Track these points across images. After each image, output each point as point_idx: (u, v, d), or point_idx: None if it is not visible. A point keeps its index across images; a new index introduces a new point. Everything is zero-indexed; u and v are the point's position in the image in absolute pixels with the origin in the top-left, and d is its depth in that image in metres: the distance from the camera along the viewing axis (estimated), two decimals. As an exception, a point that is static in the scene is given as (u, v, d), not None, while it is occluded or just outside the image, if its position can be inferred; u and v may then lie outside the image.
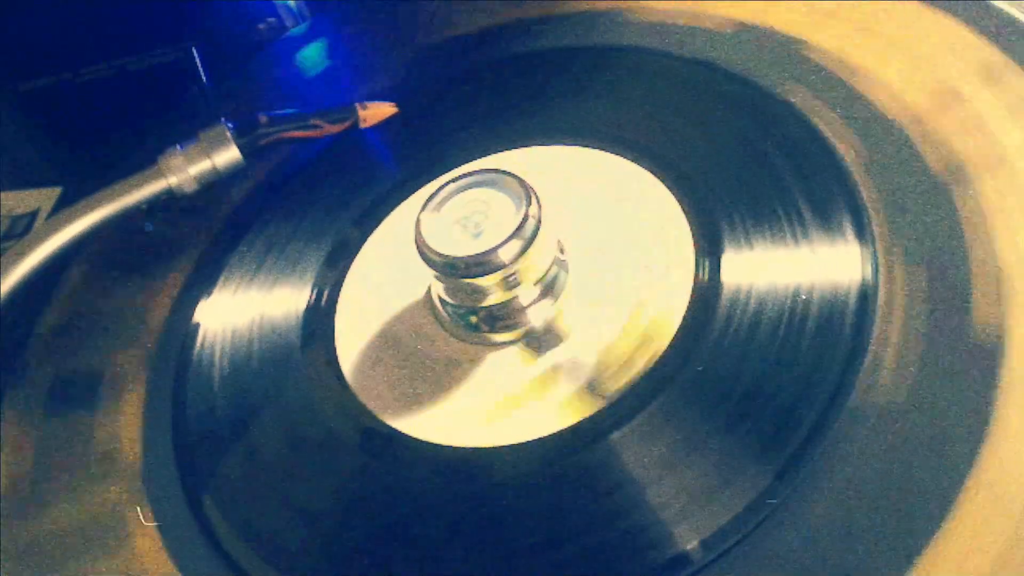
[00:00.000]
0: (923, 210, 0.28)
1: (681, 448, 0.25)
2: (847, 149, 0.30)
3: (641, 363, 0.28)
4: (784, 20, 0.35)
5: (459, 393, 0.29)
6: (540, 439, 0.27)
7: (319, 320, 0.33)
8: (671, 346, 0.28)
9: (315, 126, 0.35)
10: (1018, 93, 0.29)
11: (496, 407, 0.28)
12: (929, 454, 0.23)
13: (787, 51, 0.34)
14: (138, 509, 0.30)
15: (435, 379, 0.30)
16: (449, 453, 0.28)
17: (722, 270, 0.29)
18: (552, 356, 0.29)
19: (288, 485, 0.29)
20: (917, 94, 0.31)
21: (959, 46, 0.32)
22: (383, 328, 0.32)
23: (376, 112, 0.36)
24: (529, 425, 0.27)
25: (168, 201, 0.34)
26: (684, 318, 0.28)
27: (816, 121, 0.31)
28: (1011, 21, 0.31)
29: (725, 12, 0.37)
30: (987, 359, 0.24)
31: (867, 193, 0.29)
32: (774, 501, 0.24)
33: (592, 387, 0.28)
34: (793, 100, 0.32)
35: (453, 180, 0.30)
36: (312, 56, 0.47)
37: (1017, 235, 0.26)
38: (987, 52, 0.31)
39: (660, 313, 0.28)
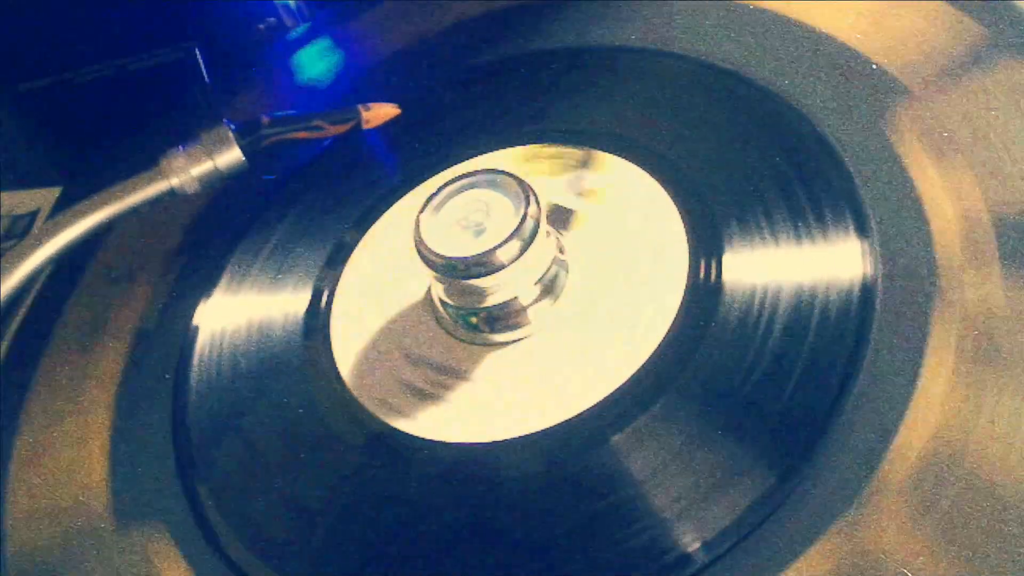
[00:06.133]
0: (921, 199, 0.28)
1: (682, 449, 0.25)
2: (843, 143, 0.30)
3: (641, 363, 0.28)
4: (777, 16, 0.36)
5: (459, 393, 0.29)
6: (541, 439, 0.27)
7: (318, 320, 0.33)
8: (671, 346, 0.28)
9: (318, 127, 0.35)
10: (1010, 77, 0.30)
11: (496, 407, 0.28)
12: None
13: (786, 50, 0.34)
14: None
15: (434, 379, 0.30)
16: (448, 454, 0.28)
17: (722, 270, 0.29)
18: (552, 356, 0.29)
19: (288, 485, 0.29)
20: (910, 82, 0.31)
21: (951, 30, 0.32)
22: (382, 328, 0.32)
23: (379, 113, 0.36)
24: (529, 425, 0.28)
25: (169, 202, 0.34)
26: (684, 318, 0.28)
27: (815, 119, 0.32)
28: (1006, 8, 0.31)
29: (725, 10, 0.37)
30: (991, 357, 0.24)
31: (868, 191, 0.29)
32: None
33: (591, 386, 0.28)
34: (792, 99, 0.33)
35: (452, 180, 0.30)
36: (314, 57, 0.47)
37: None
38: (979, 35, 0.31)
39: (660, 313, 0.29)
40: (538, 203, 0.29)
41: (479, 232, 0.29)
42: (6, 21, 0.50)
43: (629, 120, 0.35)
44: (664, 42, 0.37)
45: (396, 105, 0.36)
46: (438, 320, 0.31)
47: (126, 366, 0.35)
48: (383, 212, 0.36)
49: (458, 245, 0.28)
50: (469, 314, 0.30)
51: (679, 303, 0.28)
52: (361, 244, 0.35)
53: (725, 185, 0.31)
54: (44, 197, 0.46)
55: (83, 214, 0.33)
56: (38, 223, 0.44)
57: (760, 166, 0.31)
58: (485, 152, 0.36)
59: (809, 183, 0.30)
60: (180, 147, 0.34)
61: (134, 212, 0.33)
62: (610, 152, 0.34)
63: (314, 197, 0.39)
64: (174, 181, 0.33)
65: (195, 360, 0.34)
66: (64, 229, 0.33)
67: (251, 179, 0.36)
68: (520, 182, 0.29)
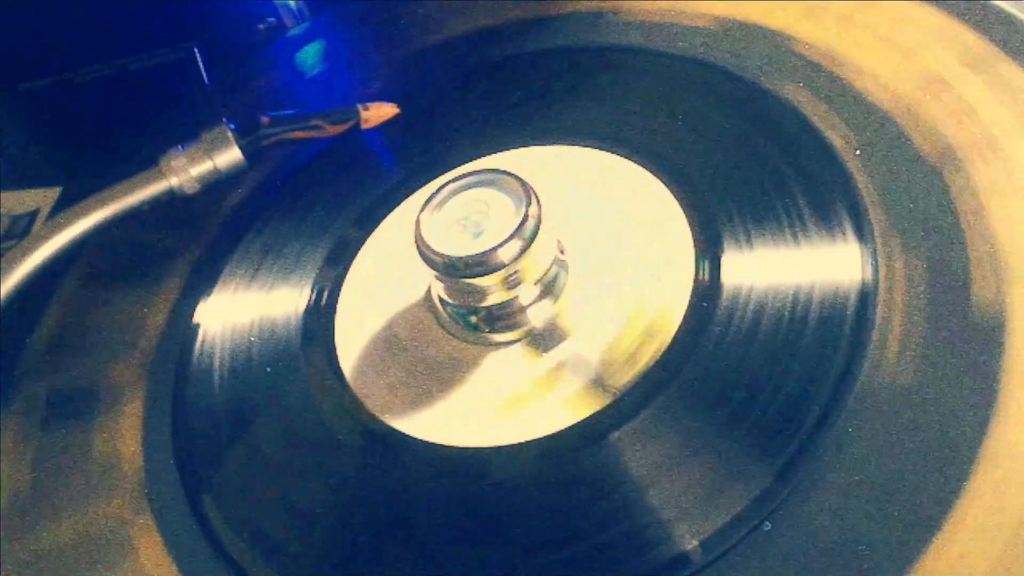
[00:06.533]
0: (919, 199, 0.28)
1: (681, 448, 0.25)
2: (843, 144, 0.30)
3: (642, 362, 0.28)
4: (777, 17, 0.36)
5: (459, 393, 0.29)
6: (540, 439, 0.27)
7: (319, 320, 0.33)
8: (671, 346, 0.28)
9: (317, 127, 0.35)
10: (1005, 79, 0.30)
11: (496, 407, 0.28)
12: (930, 454, 0.23)
13: (782, 48, 0.34)
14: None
15: (435, 379, 0.30)
16: (449, 453, 0.28)
17: (722, 270, 0.29)
18: (552, 356, 0.29)
19: (289, 486, 0.29)
20: (906, 84, 0.31)
21: (944, 36, 0.32)
22: (383, 328, 0.32)
23: (378, 113, 0.36)
24: (529, 425, 0.28)
25: (169, 202, 0.34)
26: (684, 318, 0.28)
27: (813, 118, 0.32)
28: (995, 10, 0.32)
29: (724, 11, 0.37)
30: (989, 352, 0.24)
31: (864, 186, 0.29)
32: (768, 527, 0.24)
33: (595, 384, 0.28)
34: (790, 97, 0.33)
35: (453, 180, 0.30)
36: (313, 57, 0.47)
37: (1012, 216, 0.27)
38: (971, 40, 0.31)
39: (660, 313, 0.29)
40: (539, 203, 0.29)
41: (480, 232, 0.29)
42: (6, 21, 0.50)
43: (629, 120, 0.35)
44: (665, 43, 0.37)
45: (395, 105, 0.36)
46: (438, 320, 0.31)
47: (125, 367, 0.35)
48: (386, 211, 0.36)
49: (459, 244, 0.28)
50: (469, 313, 0.30)
51: (679, 303, 0.28)
52: (366, 244, 0.35)
53: (725, 184, 0.31)
54: (44, 197, 0.46)
55: (83, 214, 0.33)
56: (38, 223, 0.44)
57: (759, 164, 0.31)
58: (485, 152, 0.36)
59: (806, 180, 0.30)
60: (180, 147, 0.34)
61: (134, 212, 0.33)
62: (610, 152, 0.34)
63: (314, 197, 0.39)
64: (174, 181, 0.33)
65: (195, 360, 0.34)
66: (64, 229, 0.33)
67: (251, 179, 0.36)
68: (521, 182, 0.29)
